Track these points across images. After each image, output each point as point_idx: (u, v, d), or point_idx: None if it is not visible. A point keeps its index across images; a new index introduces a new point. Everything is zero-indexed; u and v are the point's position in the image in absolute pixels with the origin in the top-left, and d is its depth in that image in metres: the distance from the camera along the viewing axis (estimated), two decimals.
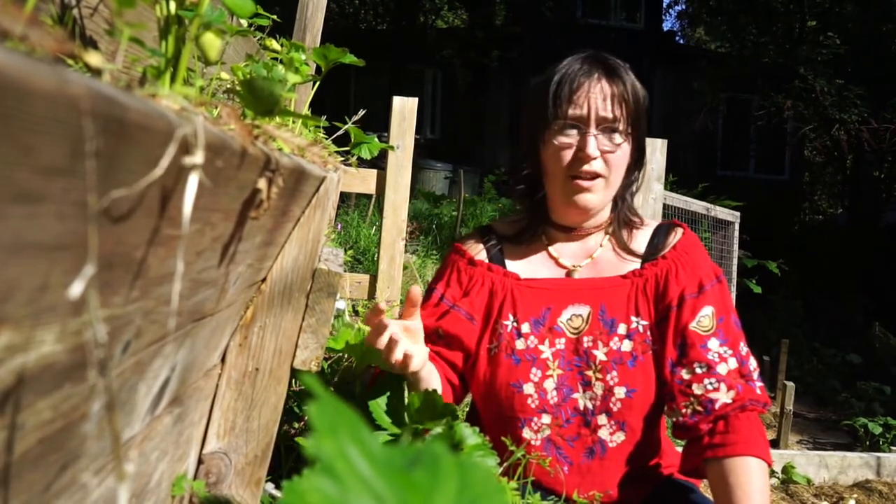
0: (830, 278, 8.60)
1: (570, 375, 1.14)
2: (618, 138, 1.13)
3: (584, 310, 1.16)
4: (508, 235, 1.25)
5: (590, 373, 1.13)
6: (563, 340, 1.15)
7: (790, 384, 3.85)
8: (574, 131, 1.13)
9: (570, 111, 1.12)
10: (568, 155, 1.13)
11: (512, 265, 1.22)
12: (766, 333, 6.19)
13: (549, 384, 1.14)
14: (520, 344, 1.15)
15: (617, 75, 1.13)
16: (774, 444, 3.79)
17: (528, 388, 1.14)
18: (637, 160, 1.20)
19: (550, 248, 1.23)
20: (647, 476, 1.18)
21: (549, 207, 1.22)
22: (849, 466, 3.48)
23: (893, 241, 9.44)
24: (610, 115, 1.12)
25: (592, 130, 1.11)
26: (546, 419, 1.14)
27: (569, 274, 1.20)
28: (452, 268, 1.24)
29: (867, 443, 3.97)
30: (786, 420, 3.80)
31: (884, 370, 6.00)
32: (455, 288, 1.21)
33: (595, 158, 1.11)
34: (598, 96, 1.12)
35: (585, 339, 1.15)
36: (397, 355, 0.97)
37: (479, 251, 1.24)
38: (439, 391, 1.12)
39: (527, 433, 1.14)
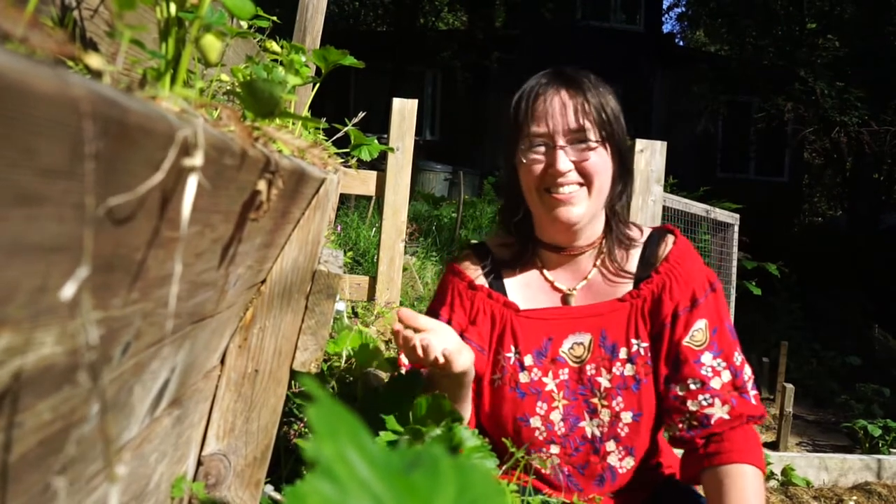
0: (830, 280, 8.60)
1: (575, 405, 1.14)
2: (590, 145, 1.09)
3: (585, 338, 1.15)
4: (505, 259, 1.22)
5: (595, 400, 1.13)
6: (566, 371, 1.14)
7: (790, 386, 3.85)
8: (542, 148, 1.10)
9: (534, 128, 1.10)
10: (539, 170, 1.11)
11: (511, 290, 1.20)
12: (766, 335, 6.19)
13: (556, 416, 1.13)
14: (523, 377, 1.14)
15: (577, 86, 1.10)
16: (774, 446, 3.79)
17: (535, 422, 1.13)
18: (620, 169, 1.15)
19: (546, 272, 1.20)
20: (647, 482, 1.18)
21: (536, 227, 1.19)
22: (849, 469, 3.47)
23: (893, 243, 9.45)
24: (575, 126, 1.08)
25: (560, 143, 1.09)
26: (555, 450, 1.13)
27: (565, 299, 1.18)
28: (453, 291, 1.20)
29: (867, 445, 3.97)
30: (785, 422, 3.80)
31: (883, 372, 6.00)
32: (459, 313, 1.19)
33: (566, 173, 1.08)
34: (559, 109, 1.09)
35: (588, 367, 1.14)
36: (435, 353, 0.96)
37: (477, 274, 1.21)
38: (469, 407, 1.13)
39: (536, 463, 1.14)
